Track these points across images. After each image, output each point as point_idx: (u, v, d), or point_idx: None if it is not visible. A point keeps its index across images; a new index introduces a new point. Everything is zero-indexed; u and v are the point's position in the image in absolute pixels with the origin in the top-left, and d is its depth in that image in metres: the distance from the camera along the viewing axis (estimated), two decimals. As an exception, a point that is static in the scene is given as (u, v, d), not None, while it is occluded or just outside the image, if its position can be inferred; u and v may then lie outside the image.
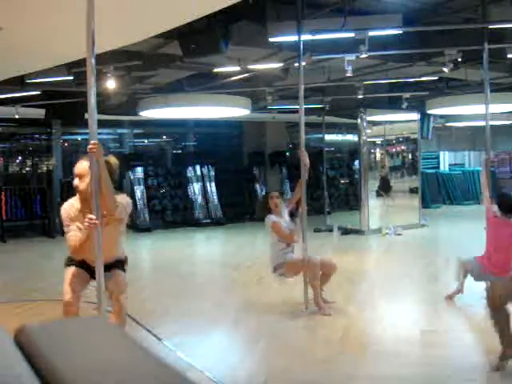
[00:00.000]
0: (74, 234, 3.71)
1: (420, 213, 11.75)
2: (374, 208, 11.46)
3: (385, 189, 12.16)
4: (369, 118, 11.32)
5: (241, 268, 7.81)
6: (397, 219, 11.28)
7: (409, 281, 6.74)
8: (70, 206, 3.83)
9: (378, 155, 12.39)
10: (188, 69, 8.12)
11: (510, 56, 6.38)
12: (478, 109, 9.13)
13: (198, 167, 13.39)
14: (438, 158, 18.13)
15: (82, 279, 3.84)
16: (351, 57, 6.34)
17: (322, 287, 5.44)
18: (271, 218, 5.42)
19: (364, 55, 5.83)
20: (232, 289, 6.57)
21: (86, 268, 3.83)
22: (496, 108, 9.57)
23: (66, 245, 3.78)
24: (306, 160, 5.34)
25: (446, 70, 6.80)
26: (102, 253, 3.33)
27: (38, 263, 8.56)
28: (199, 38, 5.63)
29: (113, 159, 3.89)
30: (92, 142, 3.35)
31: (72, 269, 3.84)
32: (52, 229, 11.63)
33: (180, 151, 15.77)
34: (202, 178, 13.37)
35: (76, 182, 3.77)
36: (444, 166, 18.10)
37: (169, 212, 13.02)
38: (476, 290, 5.51)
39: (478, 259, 5.42)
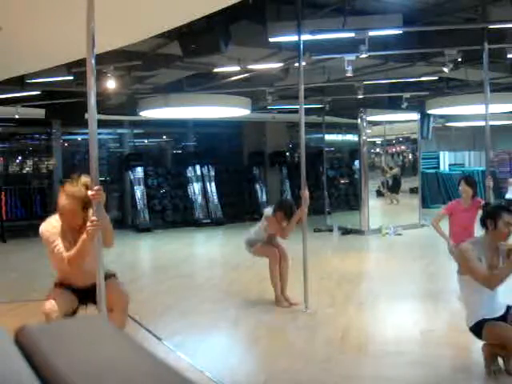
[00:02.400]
0: (61, 247, 3.42)
1: (420, 213, 11.75)
2: (374, 208, 11.46)
3: (395, 189, 12.29)
4: (369, 118, 11.31)
5: (241, 268, 7.81)
6: (397, 219, 11.28)
7: (409, 281, 6.74)
8: (51, 227, 3.50)
9: (386, 156, 12.46)
10: (188, 69, 8.12)
11: (510, 56, 6.38)
12: (478, 109, 9.13)
13: (198, 167, 13.39)
14: (437, 158, 18.13)
15: (68, 299, 3.56)
16: (351, 57, 6.34)
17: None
18: (269, 212, 5.73)
19: (364, 55, 5.83)
20: (232, 289, 6.56)
21: (75, 290, 3.61)
22: (496, 108, 9.57)
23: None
24: (306, 198, 5.45)
25: (446, 70, 6.81)
26: (102, 258, 3.18)
27: (38, 263, 8.54)
28: (199, 38, 5.63)
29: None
30: (95, 188, 3.04)
31: (57, 289, 3.58)
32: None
33: (180, 151, 15.76)
34: (201, 178, 13.36)
35: (63, 200, 3.39)
36: (444, 166, 18.11)
37: (169, 212, 13.01)
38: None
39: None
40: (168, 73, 8.16)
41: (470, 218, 5.71)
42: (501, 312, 3.61)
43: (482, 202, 5.54)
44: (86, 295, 3.57)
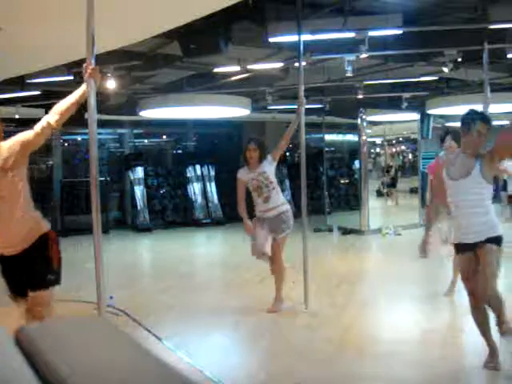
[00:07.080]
0: None
1: (420, 213, 11.74)
2: (374, 208, 11.45)
3: (394, 183, 12.35)
4: (369, 118, 11.31)
5: (241, 268, 7.81)
6: (397, 219, 11.27)
7: (409, 281, 6.74)
8: None
9: (385, 155, 12.48)
10: (188, 69, 8.12)
11: (510, 56, 6.38)
12: (478, 109, 9.12)
13: (198, 167, 13.39)
14: (438, 158, 18.13)
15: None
16: (351, 57, 6.35)
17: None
18: (239, 172, 5.45)
19: (364, 55, 5.84)
20: (232, 289, 6.56)
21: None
22: (496, 108, 9.56)
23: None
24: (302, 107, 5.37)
25: (445, 69, 6.81)
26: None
27: (38, 263, 8.54)
28: (199, 38, 5.63)
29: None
30: (89, 64, 3.09)
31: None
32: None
33: (180, 151, 15.76)
34: (202, 178, 13.36)
35: None
36: (444, 166, 18.10)
37: (169, 212, 13.01)
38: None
39: None
40: (168, 73, 8.16)
41: None
42: (469, 240, 3.66)
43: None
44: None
